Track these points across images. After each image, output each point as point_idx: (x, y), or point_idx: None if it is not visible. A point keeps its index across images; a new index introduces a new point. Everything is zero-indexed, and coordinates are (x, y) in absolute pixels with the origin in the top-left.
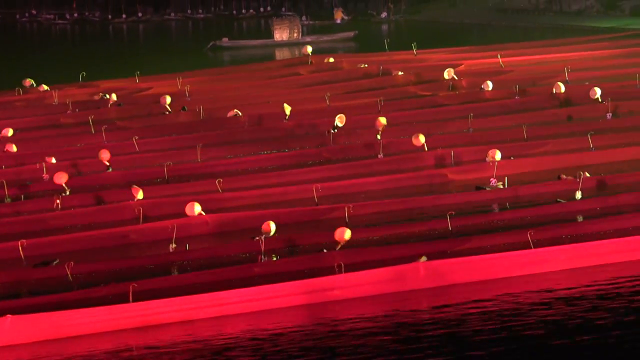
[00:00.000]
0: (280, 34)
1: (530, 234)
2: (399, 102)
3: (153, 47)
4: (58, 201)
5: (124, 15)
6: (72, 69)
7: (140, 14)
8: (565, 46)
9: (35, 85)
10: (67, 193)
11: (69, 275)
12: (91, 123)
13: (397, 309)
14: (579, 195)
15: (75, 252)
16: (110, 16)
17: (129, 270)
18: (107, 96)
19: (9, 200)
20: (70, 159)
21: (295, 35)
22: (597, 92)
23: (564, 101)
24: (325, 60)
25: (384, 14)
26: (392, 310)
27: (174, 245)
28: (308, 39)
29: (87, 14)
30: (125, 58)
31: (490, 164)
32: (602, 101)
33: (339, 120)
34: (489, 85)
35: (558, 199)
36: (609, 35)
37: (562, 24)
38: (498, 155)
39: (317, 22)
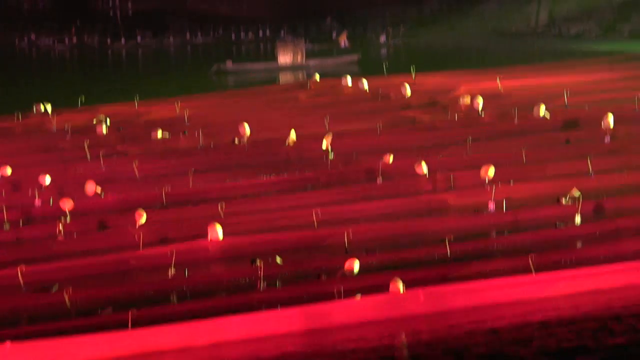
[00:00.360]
0: (284, 58)
1: (531, 258)
2: (397, 126)
3: (152, 71)
4: (60, 226)
5: (123, 40)
6: (71, 94)
7: (139, 39)
8: (564, 69)
9: (46, 110)
10: (68, 219)
11: (67, 302)
12: (86, 148)
13: (397, 333)
14: (578, 219)
15: (75, 278)
16: (109, 41)
17: (128, 296)
18: (102, 121)
19: (7, 226)
20: (68, 184)
21: (299, 58)
22: (610, 120)
23: (564, 125)
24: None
25: (382, 38)
26: (392, 333)
27: (173, 271)
28: (312, 62)
29: (86, 38)
30: (124, 82)
31: (489, 188)
32: (604, 127)
33: (326, 140)
34: (480, 102)
35: (557, 224)
36: (607, 58)
37: (561, 47)
38: (491, 172)
39: (315, 45)
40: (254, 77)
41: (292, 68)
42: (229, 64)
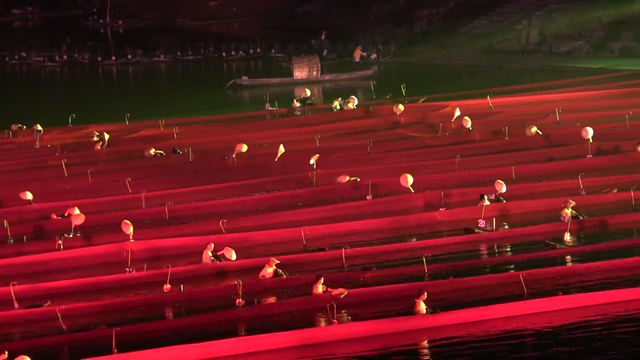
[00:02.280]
0: (300, 72)
1: (522, 275)
2: (388, 144)
3: (143, 89)
4: (60, 242)
5: (113, 58)
6: (62, 112)
7: (129, 56)
8: (555, 87)
9: (25, 127)
10: (71, 235)
11: (60, 318)
12: (64, 166)
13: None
14: (567, 237)
15: (69, 293)
16: (99, 58)
17: (122, 311)
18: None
19: (11, 241)
20: (59, 201)
21: (314, 73)
22: (590, 132)
23: (554, 142)
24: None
25: (373, 56)
26: (388, 345)
27: (168, 286)
28: (327, 77)
29: (76, 56)
30: (115, 100)
31: (480, 205)
32: (591, 142)
33: (314, 159)
34: (468, 121)
35: (547, 241)
36: (598, 76)
37: (552, 65)
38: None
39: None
40: (270, 92)
41: (307, 82)
42: (244, 79)
